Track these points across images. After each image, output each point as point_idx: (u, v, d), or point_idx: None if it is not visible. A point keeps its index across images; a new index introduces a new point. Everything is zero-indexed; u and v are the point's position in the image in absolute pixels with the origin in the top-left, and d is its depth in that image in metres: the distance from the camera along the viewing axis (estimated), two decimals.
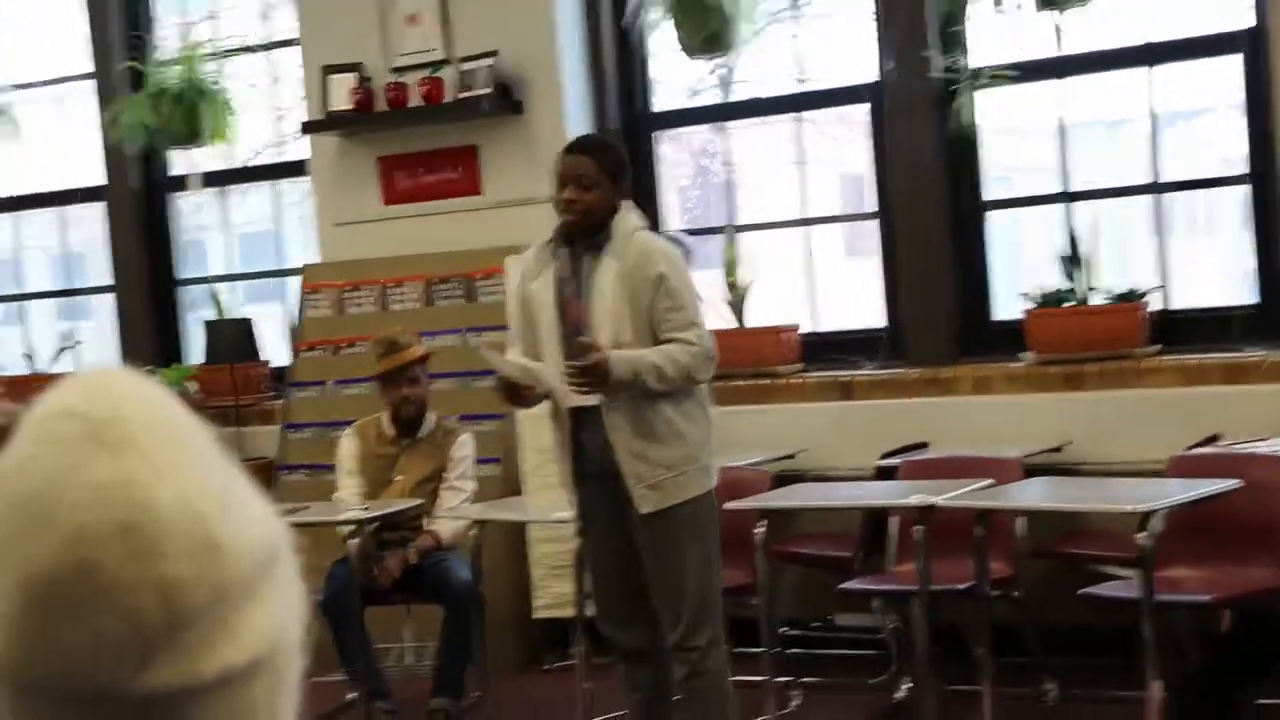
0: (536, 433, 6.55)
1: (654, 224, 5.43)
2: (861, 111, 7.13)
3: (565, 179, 4.79)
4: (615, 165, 4.83)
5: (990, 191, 6.95)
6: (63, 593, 0.93)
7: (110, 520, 0.93)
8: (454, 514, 6.20)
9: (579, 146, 4.94)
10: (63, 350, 8.85)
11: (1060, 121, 6.74)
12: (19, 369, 8.92)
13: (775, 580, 5.84)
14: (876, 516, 6.09)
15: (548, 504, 5.94)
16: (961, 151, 6.78)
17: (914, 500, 5.30)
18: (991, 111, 6.79)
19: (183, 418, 1.00)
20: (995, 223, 6.98)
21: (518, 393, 4.85)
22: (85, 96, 8.83)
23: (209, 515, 0.95)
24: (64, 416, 0.96)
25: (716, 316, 7.03)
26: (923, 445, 6.43)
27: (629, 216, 4.82)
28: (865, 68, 7.03)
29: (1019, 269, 7.29)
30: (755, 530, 5.59)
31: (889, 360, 6.88)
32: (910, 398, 6.65)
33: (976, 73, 6.54)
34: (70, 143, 9.11)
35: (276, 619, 0.99)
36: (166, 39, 8.52)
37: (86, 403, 0.97)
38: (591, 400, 4.74)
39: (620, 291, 4.72)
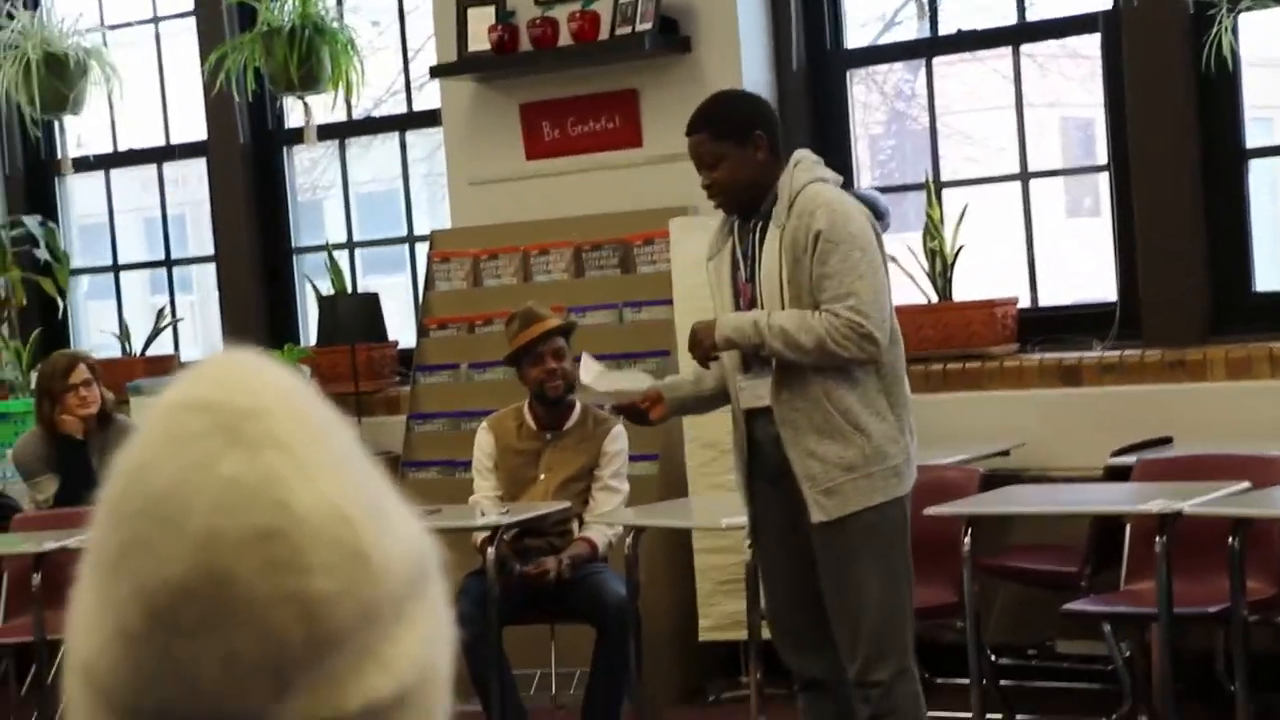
0: (703, 426, 6.56)
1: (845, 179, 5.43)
2: (1092, 43, 7.07)
3: (695, 164, 4.87)
4: (735, 126, 4.81)
5: (1252, 137, 6.86)
6: (189, 606, 0.94)
7: (246, 524, 0.94)
8: (609, 519, 6.23)
9: (689, 125, 4.92)
10: (159, 329, 9.04)
11: None
12: (111, 350, 9.13)
13: (985, 600, 5.83)
14: (1108, 525, 6.03)
15: (716, 508, 5.96)
16: (1216, 89, 6.69)
17: (1154, 506, 5.25)
18: (1254, 40, 6.68)
19: (326, 412, 1.01)
20: (1257, 174, 6.90)
21: (637, 410, 5.05)
22: (186, 37, 9.00)
23: (357, 523, 0.96)
24: (194, 408, 0.97)
25: (915, 289, 7.01)
26: (1165, 441, 6.38)
27: (799, 169, 4.78)
28: None
29: None
30: (962, 540, 5.56)
31: (1123, 340, 6.83)
32: (1149, 384, 6.60)
33: None
34: (169, 91, 9.30)
35: (427, 647, 1.00)
36: None
37: (220, 393, 0.98)
38: (764, 400, 4.76)
39: (782, 262, 4.71)
